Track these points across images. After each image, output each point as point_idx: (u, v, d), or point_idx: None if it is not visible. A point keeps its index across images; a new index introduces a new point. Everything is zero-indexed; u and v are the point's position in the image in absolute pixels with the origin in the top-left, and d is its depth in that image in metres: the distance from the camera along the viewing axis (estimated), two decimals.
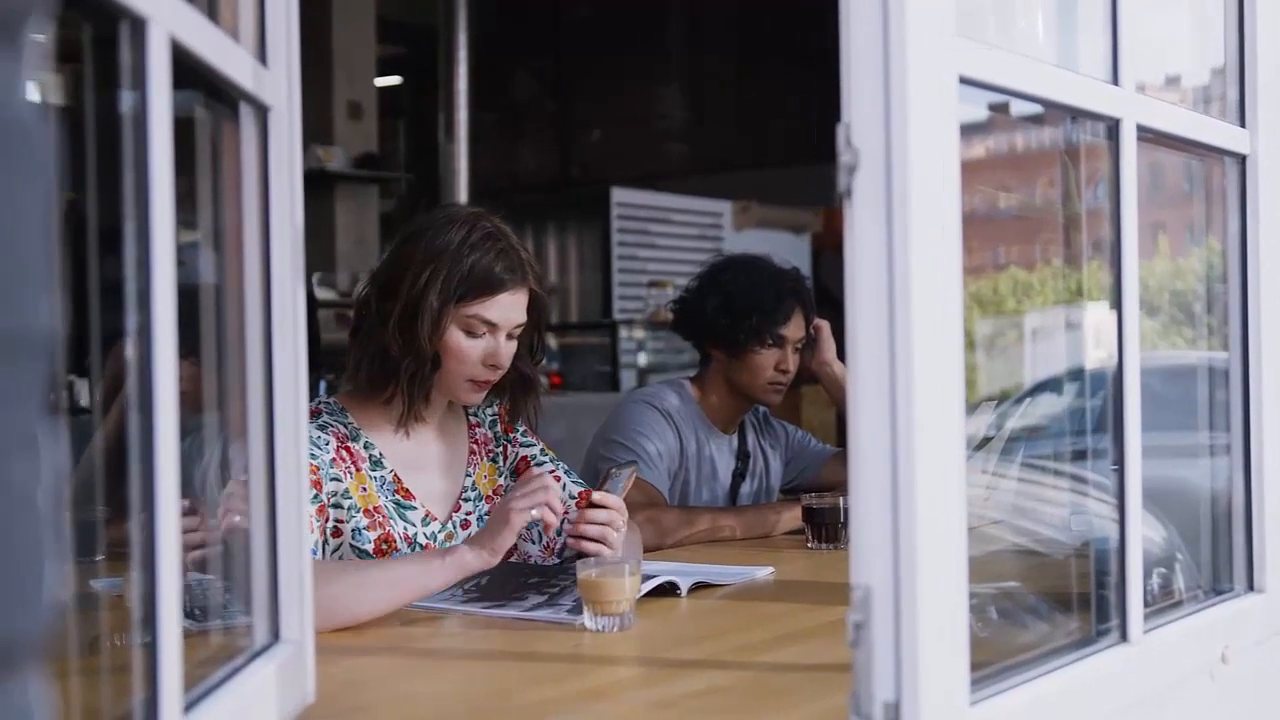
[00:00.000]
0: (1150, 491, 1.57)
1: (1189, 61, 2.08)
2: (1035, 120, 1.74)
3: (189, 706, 1.09)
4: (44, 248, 0.57)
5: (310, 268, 1.47)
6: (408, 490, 2.24)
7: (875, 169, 1.19)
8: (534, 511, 1.98)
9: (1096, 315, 1.88)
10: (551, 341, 7.74)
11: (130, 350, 1.02)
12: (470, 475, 2.35)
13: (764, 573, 2.36)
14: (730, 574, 2.29)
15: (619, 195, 8.14)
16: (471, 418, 2.41)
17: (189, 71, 1.12)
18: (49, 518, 0.56)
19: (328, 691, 1.47)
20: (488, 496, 2.36)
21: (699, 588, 2.18)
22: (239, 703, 1.20)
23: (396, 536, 2.19)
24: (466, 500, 2.33)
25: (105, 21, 1.00)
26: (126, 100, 1.02)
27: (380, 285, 2.22)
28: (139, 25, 1.00)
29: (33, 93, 0.57)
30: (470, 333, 2.20)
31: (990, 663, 1.33)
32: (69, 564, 0.62)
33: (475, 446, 2.38)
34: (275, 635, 1.37)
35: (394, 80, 10.32)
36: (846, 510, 2.64)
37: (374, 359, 2.21)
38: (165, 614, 1.01)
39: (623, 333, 7.51)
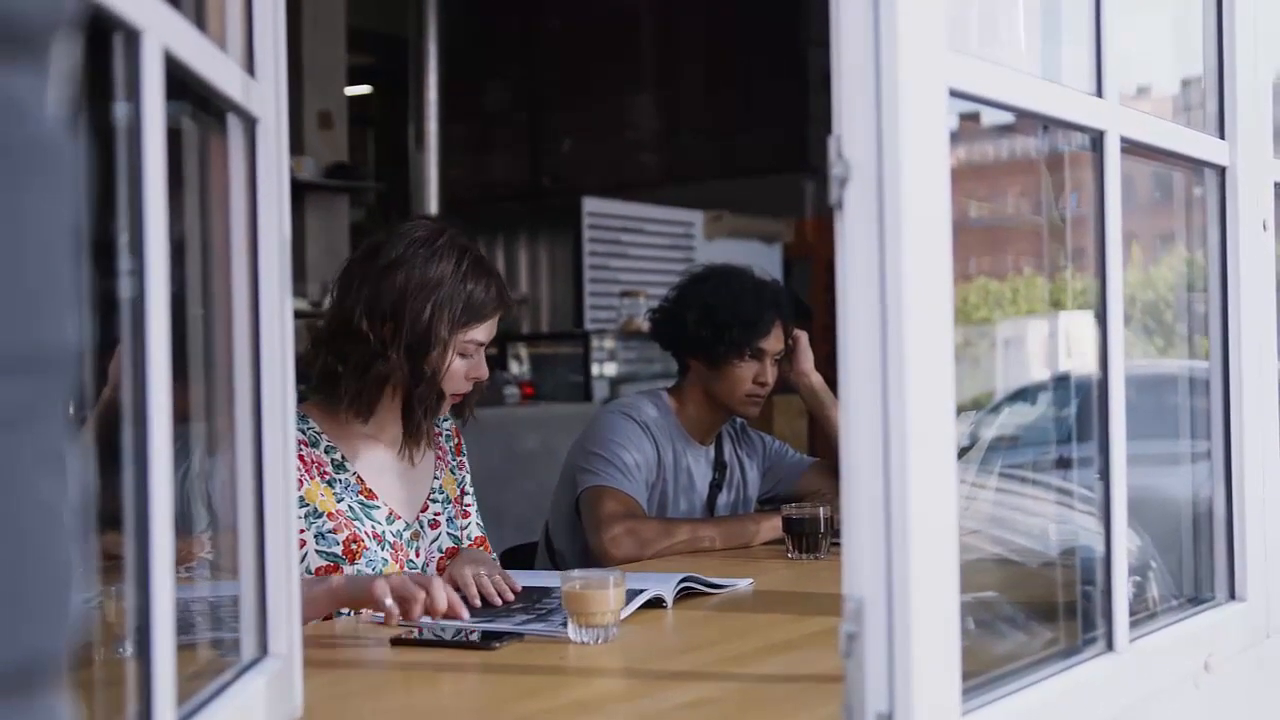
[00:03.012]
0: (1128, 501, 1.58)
1: (1167, 72, 2.09)
2: (1006, 130, 1.75)
3: None
4: (72, 263, 0.57)
5: None
6: (371, 490, 2.30)
7: (867, 181, 1.19)
8: (389, 602, 1.92)
9: (1070, 324, 1.89)
10: (523, 351, 7.73)
11: (124, 362, 1.01)
12: (438, 478, 2.44)
13: (745, 584, 2.36)
14: (713, 581, 2.29)
15: (590, 205, 8.13)
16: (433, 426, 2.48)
17: (178, 82, 1.12)
18: (75, 534, 0.56)
19: (315, 706, 1.46)
20: (454, 500, 2.46)
21: (685, 595, 2.19)
22: (229, 717, 1.20)
23: (364, 535, 2.25)
24: (435, 501, 2.42)
25: (98, 32, 0.99)
26: (119, 111, 1.02)
27: (370, 309, 2.24)
28: (133, 36, 0.99)
29: (59, 107, 0.57)
30: (463, 355, 2.30)
31: (980, 673, 1.34)
32: (91, 579, 0.62)
33: (440, 452, 2.47)
34: (263, 649, 1.36)
35: (364, 89, 10.29)
36: (827, 520, 2.66)
37: (377, 385, 2.27)
38: (159, 629, 1.00)
39: (595, 343, 7.49)
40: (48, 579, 0.54)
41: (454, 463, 2.50)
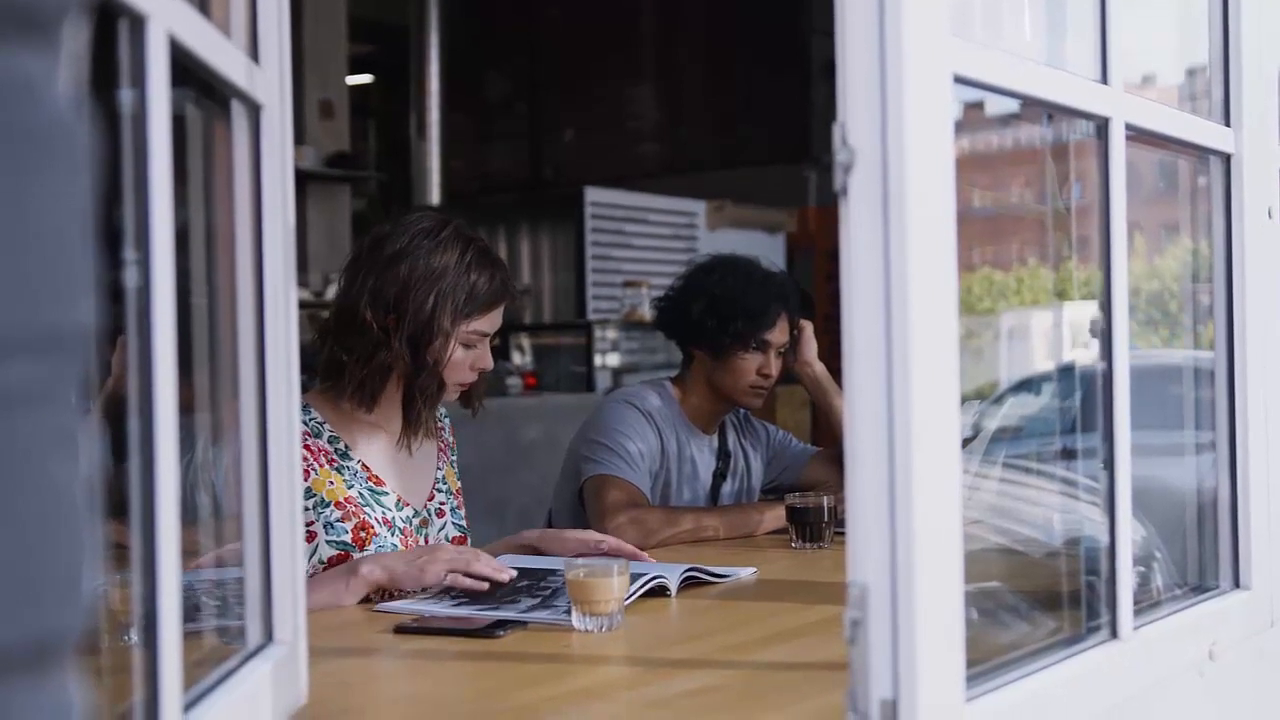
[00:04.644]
0: (1131, 491, 1.58)
1: (1173, 59, 2.09)
2: (1010, 119, 1.75)
3: (187, 707, 1.08)
4: (84, 245, 0.57)
5: None
6: (378, 477, 2.33)
7: (871, 168, 1.18)
8: (448, 579, 2.09)
9: (1075, 314, 1.89)
10: (525, 342, 7.73)
11: (130, 351, 1.01)
12: (441, 469, 2.46)
13: (748, 572, 2.36)
14: (717, 571, 2.29)
15: (592, 195, 8.13)
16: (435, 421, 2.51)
17: (182, 69, 1.11)
18: (87, 514, 0.56)
19: (320, 693, 1.46)
20: (455, 493, 2.48)
21: (688, 584, 2.19)
22: (235, 703, 1.20)
23: (374, 522, 2.27)
24: (439, 491, 2.44)
25: (103, 18, 0.99)
26: (124, 97, 1.01)
27: (374, 299, 2.26)
28: (138, 22, 0.99)
29: (71, 88, 0.57)
30: (467, 345, 2.32)
31: (985, 660, 1.34)
32: (102, 561, 0.62)
33: (442, 445, 2.49)
34: (269, 636, 1.36)
35: (365, 79, 10.29)
36: (830, 509, 2.66)
37: (380, 374, 2.28)
38: (166, 616, 1.00)
39: (597, 333, 7.49)
40: (61, 559, 0.55)
41: (452, 458, 2.53)
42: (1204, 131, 1.80)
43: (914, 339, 1.17)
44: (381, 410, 2.33)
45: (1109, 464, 1.54)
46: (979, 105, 1.52)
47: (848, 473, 1.20)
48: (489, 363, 2.37)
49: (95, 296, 0.59)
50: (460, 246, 2.29)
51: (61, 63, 0.56)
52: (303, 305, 6.68)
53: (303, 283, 7.18)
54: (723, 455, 3.15)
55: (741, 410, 3.21)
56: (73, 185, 0.56)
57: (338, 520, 2.23)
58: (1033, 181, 1.96)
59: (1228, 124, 1.83)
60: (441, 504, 2.44)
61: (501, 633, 1.85)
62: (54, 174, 0.55)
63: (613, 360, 7.53)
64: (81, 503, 0.56)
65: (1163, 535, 1.90)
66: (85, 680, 0.59)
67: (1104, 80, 1.53)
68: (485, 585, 2.10)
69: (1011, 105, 1.58)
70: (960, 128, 1.52)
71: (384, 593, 2.11)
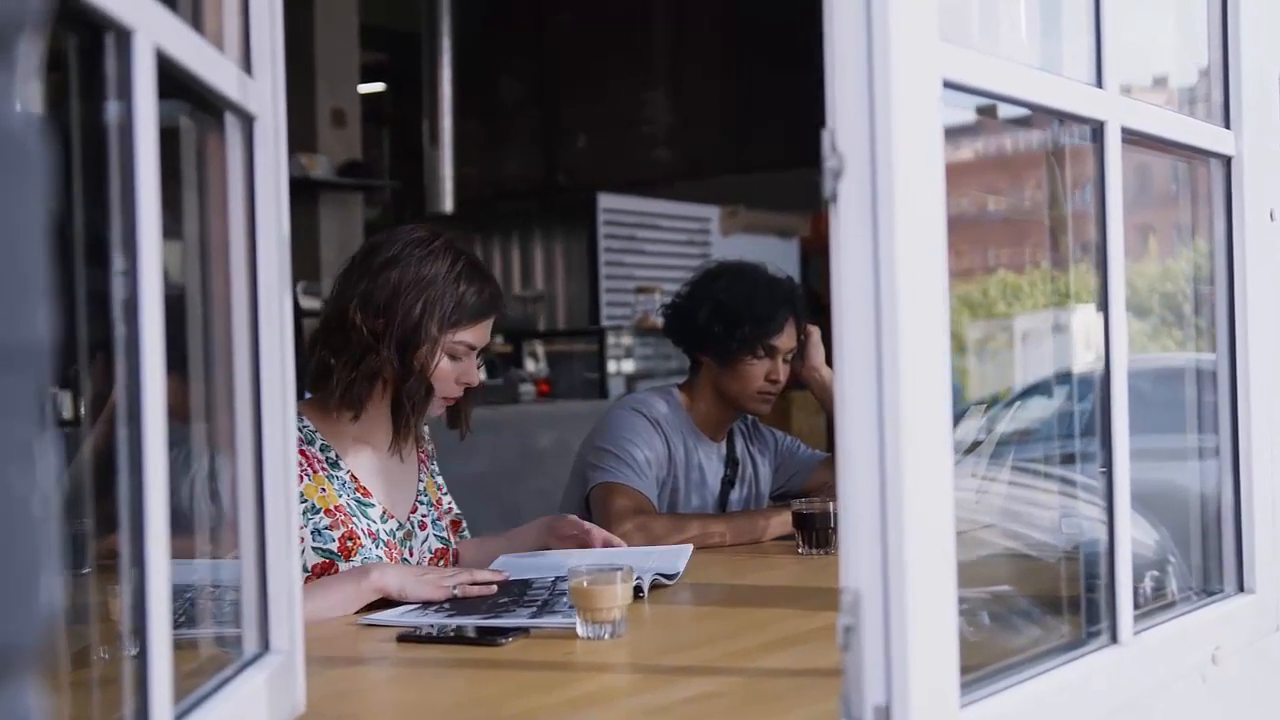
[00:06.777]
0: (1140, 494, 1.57)
1: (1173, 63, 2.08)
2: (1022, 123, 1.75)
3: (180, 717, 1.08)
4: (41, 259, 0.58)
5: (294, 277, 1.50)
6: (365, 489, 2.35)
7: (860, 174, 1.19)
8: (457, 591, 2.14)
9: (1085, 318, 1.88)
10: (539, 349, 7.73)
11: (118, 362, 1.01)
12: (422, 481, 2.49)
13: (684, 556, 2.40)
14: (668, 573, 2.31)
15: (605, 201, 8.13)
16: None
17: (173, 81, 1.12)
18: (45, 526, 0.57)
19: (317, 702, 1.46)
20: (435, 504, 2.50)
21: (656, 587, 2.21)
22: (229, 713, 1.20)
23: (360, 533, 2.30)
24: (422, 503, 2.47)
25: (90, 32, 1.00)
26: (112, 110, 1.02)
27: (364, 304, 2.29)
28: (124, 36, 1.00)
29: (27, 103, 0.57)
30: (453, 357, 2.34)
31: (981, 665, 1.33)
32: (63, 572, 0.63)
33: (423, 455, 2.52)
34: (265, 645, 1.36)
35: (377, 87, 10.30)
36: (836, 515, 2.65)
37: (368, 379, 2.30)
38: (155, 625, 1.01)
39: (610, 339, 7.49)
40: (17, 571, 0.55)
41: (433, 467, 2.56)
42: (1204, 134, 1.79)
43: (904, 345, 1.17)
44: (367, 422, 2.35)
45: (1107, 466, 1.54)
46: (991, 110, 1.52)
47: (839, 478, 1.20)
48: (475, 378, 2.39)
49: (55, 310, 0.59)
50: (450, 257, 2.32)
51: (17, 78, 0.56)
52: (314, 314, 6.68)
53: (314, 292, 7.18)
54: (731, 462, 3.14)
55: (750, 417, 3.20)
56: (28, 199, 0.56)
57: (326, 528, 2.25)
58: (1045, 184, 1.96)
59: (1228, 126, 1.82)
60: (424, 517, 2.46)
61: (505, 640, 1.85)
62: (8, 188, 0.55)
63: (626, 366, 7.52)
64: (40, 515, 0.56)
65: (1174, 539, 1.89)
66: (43, 690, 0.59)
67: (1099, 84, 1.53)
68: (494, 589, 2.15)
69: (1021, 108, 1.57)
70: (974, 131, 1.52)
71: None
